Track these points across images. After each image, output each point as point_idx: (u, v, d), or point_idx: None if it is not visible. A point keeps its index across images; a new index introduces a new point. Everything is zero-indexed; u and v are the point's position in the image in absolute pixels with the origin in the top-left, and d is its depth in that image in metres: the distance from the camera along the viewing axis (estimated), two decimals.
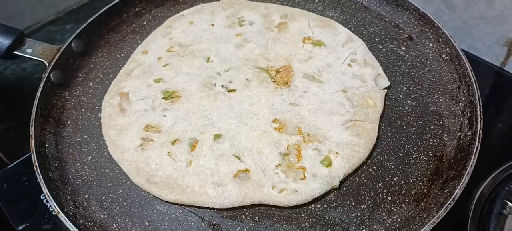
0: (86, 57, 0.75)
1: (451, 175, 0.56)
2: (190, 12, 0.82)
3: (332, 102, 0.64)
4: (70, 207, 0.57)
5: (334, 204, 0.56)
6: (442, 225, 0.51)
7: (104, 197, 0.58)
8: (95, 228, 0.55)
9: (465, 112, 0.62)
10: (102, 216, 0.57)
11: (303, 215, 0.55)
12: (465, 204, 0.60)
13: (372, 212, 0.55)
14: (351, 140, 0.60)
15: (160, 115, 0.65)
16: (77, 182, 0.60)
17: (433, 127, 0.62)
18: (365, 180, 0.58)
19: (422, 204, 0.55)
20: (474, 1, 0.83)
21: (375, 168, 0.59)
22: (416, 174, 0.58)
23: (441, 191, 0.55)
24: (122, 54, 0.76)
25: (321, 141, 0.60)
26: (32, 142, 0.60)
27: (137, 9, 0.82)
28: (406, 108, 0.65)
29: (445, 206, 0.51)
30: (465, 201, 0.60)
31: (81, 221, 0.55)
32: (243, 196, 0.56)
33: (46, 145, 0.63)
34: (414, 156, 0.60)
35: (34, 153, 0.59)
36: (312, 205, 0.56)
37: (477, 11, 0.84)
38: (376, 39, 0.75)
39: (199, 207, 0.56)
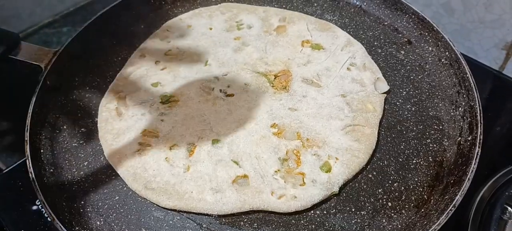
0: (83, 61, 0.74)
1: (452, 181, 0.56)
2: (188, 15, 0.81)
3: (331, 107, 0.64)
4: (66, 214, 0.56)
5: (334, 210, 0.55)
6: None
7: (100, 204, 0.57)
8: None
9: (465, 117, 0.62)
10: (98, 223, 0.56)
11: (302, 221, 0.54)
12: (465, 209, 0.60)
13: (372, 218, 0.54)
14: (350, 145, 0.59)
15: (157, 119, 0.64)
16: (73, 188, 0.59)
17: (433, 131, 0.62)
18: (365, 186, 0.57)
19: (422, 210, 0.55)
20: (472, 5, 0.83)
21: (375, 173, 0.58)
22: (416, 179, 0.58)
23: (442, 197, 0.55)
24: (119, 58, 0.75)
25: (320, 146, 0.59)
26: (27, 147, 0.60)
27: (134, 12, 0.82)
28: (406, 113, 0.65)
29: (445, 213, 0.50)
30: (465, 206, 0.60)
31: (77, 228, 0.54)
32: (241, 202, 0.55)
33: (42, 150, 0.62)
34: (414, 161, 0.59)
35: (29, 158, 0.58)
36: (312, 212, 0.55)
37: (476, 14, 0.84)
38: (375, 43, 0.74)
39: (197, 214, 0.56)
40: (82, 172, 0.61)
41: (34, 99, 0.65)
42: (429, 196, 0.56)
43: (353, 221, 0.54)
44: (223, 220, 0.55)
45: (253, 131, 0.61)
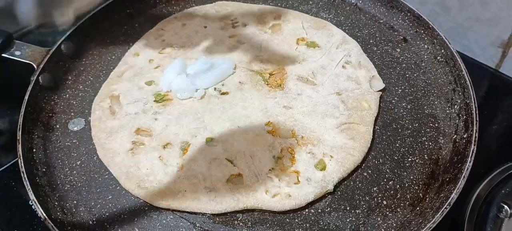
0: (76, 60, 0.74)
1: (447, 179, 0.55)
2: (183, 14, 0.80)
3: (326, 105, 0.63)
4: (58, 213, 0.55)
5: (329, 208, 0.55)
6: (437, 229, 0.50)
7: (93, 203, 0.57)
8: None
9: (460, 115, 0.61)
10: (91, 222, 0.55)
11: (297, 220, 0.54)
12: (461, 207, 0.59)
13: (367, 217, 0.54)
14: (345, 143, 0.59)
15: (151, 118, 0.64)
16: (66, 188, 0.59)
17: (428, 129, 0.62)
18: (359, 184, 0.57)
19: (417, 208, 0.54)
20: (468, 3, 0.82)
21: (370, 171, 0.58)
22: (411, 177, 0.57)
23: (437, 195, 0.54)
24: (113, 57, 0.75)
25: (315, 144, 0.59)
26: (19, 147, 0.59)
27: (128, 11, 0.81)
28: (401, 110, 0.64)
29: (441, 211, 0.50)
30: (461, 204, 0.59)
31: (69, 228, 0.54)
32: (235, 201, 0.54)
33: (34, 150, 0.62)
34: (410, 159, 0.59)
35: (21, 158, 0.58)
36: (306, 210, 0.55)
37: (472, 12, 0.83)
38: (371, 41, 0.74)
39: (191, 213, 0.55)
40: (74, 171, 0.60)
41: (26, 98, 0.64)
42: (424, 194, 0.55)
43: (348, 220, 0.54)
44: (217, 219, 0.55)
45: (247, 129, 0.61)
